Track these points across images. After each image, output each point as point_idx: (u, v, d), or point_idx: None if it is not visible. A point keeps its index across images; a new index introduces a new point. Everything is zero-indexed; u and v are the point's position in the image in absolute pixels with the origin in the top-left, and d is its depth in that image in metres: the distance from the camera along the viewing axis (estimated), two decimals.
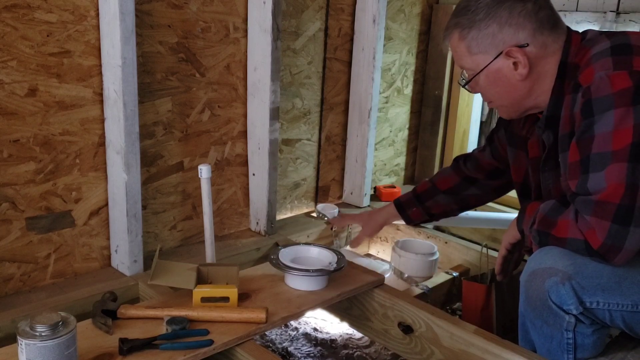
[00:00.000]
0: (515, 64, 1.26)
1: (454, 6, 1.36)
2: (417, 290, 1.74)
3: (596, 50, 1.20)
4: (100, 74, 1.50)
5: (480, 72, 1.30)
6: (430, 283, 1.80)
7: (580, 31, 1.30)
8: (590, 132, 1.15)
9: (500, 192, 1.73)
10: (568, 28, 1.30)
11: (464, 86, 1.36)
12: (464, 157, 1.74)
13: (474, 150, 1.75)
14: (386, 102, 2.42)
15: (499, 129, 1.60)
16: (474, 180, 1.70)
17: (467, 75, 1.34)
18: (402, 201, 1.78)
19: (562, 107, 1.26)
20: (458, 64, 1.36)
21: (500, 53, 1.26)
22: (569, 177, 1.21)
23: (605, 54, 1.18)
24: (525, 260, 1.31)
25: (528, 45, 1.25)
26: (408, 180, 2.66)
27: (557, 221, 1.20)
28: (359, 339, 1.73)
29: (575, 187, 1.18)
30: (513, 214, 1.67)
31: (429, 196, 1.74)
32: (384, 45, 2.25)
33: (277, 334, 1.73)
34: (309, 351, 1.67)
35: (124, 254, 1.58)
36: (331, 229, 2.10)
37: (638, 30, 1.32)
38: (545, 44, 1.26)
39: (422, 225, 2.17)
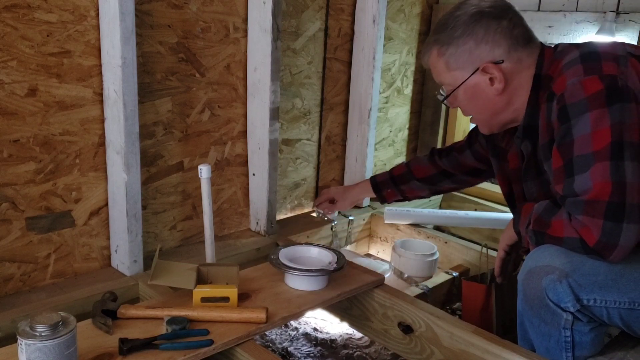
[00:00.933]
0: (491, 79, 1.31)
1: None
2: (417, 290, 1.74)
3: (567, 60, 1.25)
4: (100, 74, 1.51)
5: (458, 87, 1.35)
6: (430, 283, 1.80)
7: (552, 45, 1.35)
8: (570, 137, 1.18)
9: (475, 184, 1.84)
10: (541, 43, 1.35)
11: (442, 101, 1.41)
12: (439, 152, 1.81)
13: (451, 146, 1.79)
14: (386, 102, 2.42)
15: (478, 133, 1.64)
16: (449, 175, 1.78)
17: (446, 90, 1.38)
18: (378, 181, 1.88)
19: (539, 116, 1.30)
20: (437, 79, 1.41)
21: (477, 69, 1.31)
22: (555, 182, 1.24)
23: (575, 62, 1.22)
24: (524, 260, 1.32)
25: (503, 61, 1.30)
26: None
27: (551, 221, 1.21)
28: (359, 339, 1.73)
29: (563, 190, 1.20)
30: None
31: (404, 181, 1.83)
32: (384, 45, 2.26)
33: (277, 334, 1.73)
34: (309, 351, 1.67)
35: (124, 254, 1.58)
36: (318, 215, 2.09)
37: (608, 42, 1.36)
38: (520, 59, 1.31)
39: (422, 225, 2.18)
